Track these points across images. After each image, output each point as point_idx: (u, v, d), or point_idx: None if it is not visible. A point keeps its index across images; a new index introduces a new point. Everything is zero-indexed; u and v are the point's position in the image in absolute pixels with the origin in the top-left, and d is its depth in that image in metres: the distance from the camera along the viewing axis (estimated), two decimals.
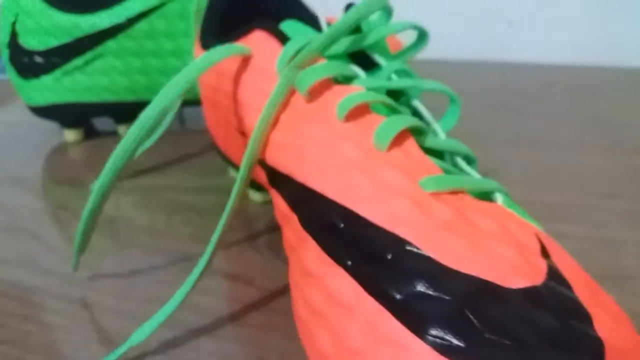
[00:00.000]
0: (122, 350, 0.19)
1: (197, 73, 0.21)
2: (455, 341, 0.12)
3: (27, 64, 0.36)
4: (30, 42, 0.35)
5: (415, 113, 0.22)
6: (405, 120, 0.18)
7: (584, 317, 0.13)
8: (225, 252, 0.26)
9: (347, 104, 0.19)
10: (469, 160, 0.20)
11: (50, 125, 0.42)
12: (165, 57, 0.36)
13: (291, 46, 0.21)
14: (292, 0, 0.29)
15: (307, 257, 0.17)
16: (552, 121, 0.41)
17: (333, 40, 0.20)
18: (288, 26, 0.22)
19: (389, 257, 0.15)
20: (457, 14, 0.59)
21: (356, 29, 0.22)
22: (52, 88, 0.36)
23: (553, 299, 0.14)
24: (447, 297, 0.13)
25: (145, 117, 0.19)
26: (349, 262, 0.15)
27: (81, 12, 0.35)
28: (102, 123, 0.42)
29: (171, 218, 0.29)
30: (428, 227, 0.15)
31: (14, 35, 0.36)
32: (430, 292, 0.14)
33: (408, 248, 0.15)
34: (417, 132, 0.19)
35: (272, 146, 0.21)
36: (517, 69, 0.55)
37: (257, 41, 0.23)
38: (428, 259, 0.14)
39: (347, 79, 0.20)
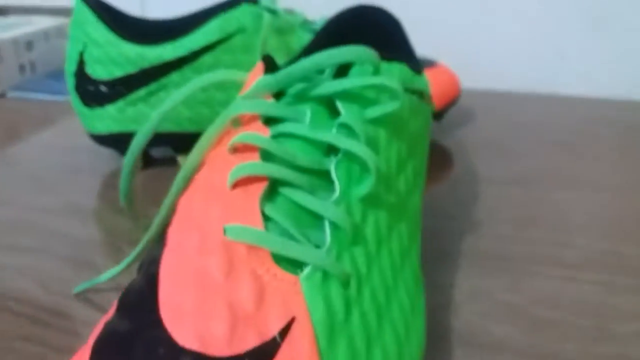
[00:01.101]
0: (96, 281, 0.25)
1: (191, 89, 0.22)
2: None
3: (92, 92, 0.36)
4: (97, 71, 0.36)
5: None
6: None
7: None
8: None
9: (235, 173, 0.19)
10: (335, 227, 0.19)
11: (107, 152, 0.43)
12: (228, 90, 0.36)
13: (261, 79, 0.21)
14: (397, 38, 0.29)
15: None
16: (610, 161, 0.40)
17: (284, 82, 0.20)
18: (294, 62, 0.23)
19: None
20: (507, 44, 0.58)
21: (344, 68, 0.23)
22: (115, 117, 0.37)
23: None
24: None
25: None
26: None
27: (147, 43, 0.36)
28: (160, 152, 0.42)
29: None
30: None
31: (81, 64, 0.36)
32: None
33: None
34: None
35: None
36: (568, 102, 0.54)
37: (255, 69, 0.23)
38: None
39: (272, 121, 0.20)
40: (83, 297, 0.26)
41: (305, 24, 0.41)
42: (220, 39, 0.36)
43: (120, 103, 0.36)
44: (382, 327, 0.18)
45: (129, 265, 0.25)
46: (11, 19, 0.64)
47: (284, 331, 0.16)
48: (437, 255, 0.29)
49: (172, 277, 0.17)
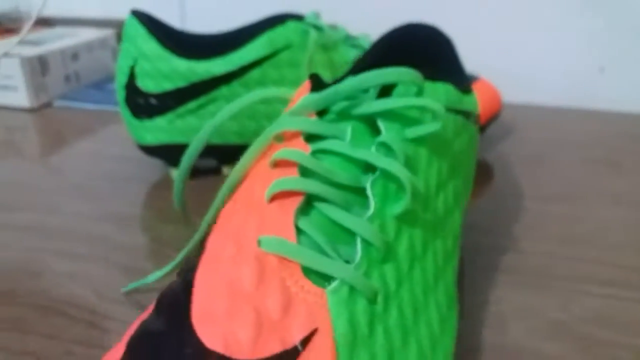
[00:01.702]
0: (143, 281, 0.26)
1: (242, 104, 0.24)
2: None
3: (142, 105, 0.37)
4: (147, 84, 0.37)
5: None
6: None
7: None
8: None
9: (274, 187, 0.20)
10: (368, 244, 0.19)
11: (151, 161, 0.44)
12: (273, 104, 0.37)
13: (306, 97, 0.22)
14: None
15: None
16: None
17: (328, 100, 0.21)
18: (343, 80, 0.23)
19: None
20: (547, 58, 0.58)
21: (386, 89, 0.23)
22: (165, 129, 0.38)
23: None
24: None
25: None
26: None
27: (197, 58, 0.37)
28: (205, 163, 0.43)
29: None
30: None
31: (131, 77, 0.37)
32: None
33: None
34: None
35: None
36: (608, 117, 0.54)
37: (302, 87, 0.24)
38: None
39: (314, 137, 0.21)
40: (133, 300, 0.27)
41: (348, 39, 0.42)
42: (267, 54, 0.37)
43: (169, 115, 0.38)
44: (407, 345, 0.18)
45: (174, 269, 0.26)
46: (58, 30, 0.66)
47: (306, 341, 0.16)
48: (481, 271, 0.29)
49: (206, 283, 0.18)
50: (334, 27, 0.42)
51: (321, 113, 0.22)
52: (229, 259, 0.18)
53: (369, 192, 0.20)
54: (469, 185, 0.26)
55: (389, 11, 0.61)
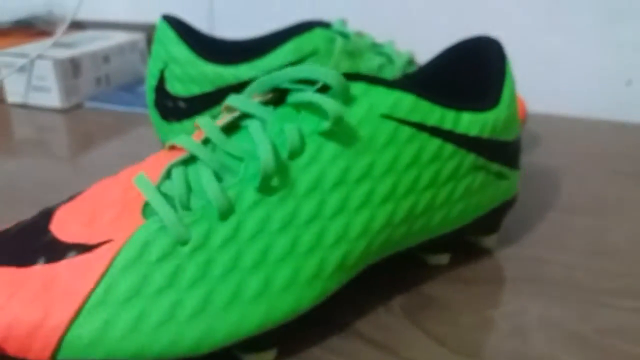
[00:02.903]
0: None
1: None
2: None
3: (171, 108, 0.38)
4: (176, 88, 0.38)
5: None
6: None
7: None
8: (361, 314, 0.27)
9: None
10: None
11: None
12: None
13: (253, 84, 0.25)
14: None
15: None
16: None
17: (255, 90, 0.24)
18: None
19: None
20: (575, 69, 0.58)
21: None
22: (192, 132, 0.39)
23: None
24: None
25: None
26: None
27: (225, 64, 0.37)
28: None
29: None
30: None
31: (161, 80, 0.38)
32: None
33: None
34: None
35: None
36: (636, 130, 0.53)
37: None
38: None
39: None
40: None
41: (374, 46, 0.42)
42: (293, 61, 0.37)
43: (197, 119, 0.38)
44: (190, 296, 0.21)
45: None
46: (90, 34, 0.68)
47: (101, 244, 0.21)
48: (504, 281, 0.29)
49: (68, 206, 0.24)
50: (360, 35, 0.42)
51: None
52: (99, 188, 0.24)
53: (242, 166, 0.23)
54: (429, 201, 0.26)
55: (416, 18, 0.61)
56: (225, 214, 0.22)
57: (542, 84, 0.58)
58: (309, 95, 0.23)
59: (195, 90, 0.38)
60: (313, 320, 0.26)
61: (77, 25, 0.72)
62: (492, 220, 0.30)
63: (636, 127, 0.54)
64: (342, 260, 0.24)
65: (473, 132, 0.26)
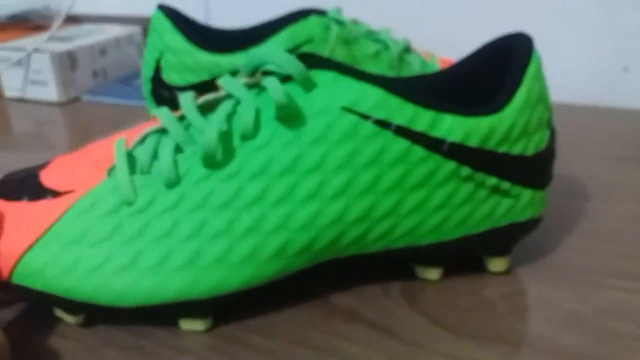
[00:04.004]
0: None
1: None
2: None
3: (168, 97, 0.38)
4: (172, 77, 0.38)
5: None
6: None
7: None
8: (360, 296, 0.27)
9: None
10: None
11: None
12: None
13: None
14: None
15: None
16: None
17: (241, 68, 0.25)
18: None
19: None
20: (569, 56, 0.58)
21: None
22: None
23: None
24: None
25: None
26: None
27: (221, 52, 0.37)
28: None
29: None
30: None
31: (157, 70, 0.38)
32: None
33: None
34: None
35: None
36: (631, 115, 0.53)
37: None
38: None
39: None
40: None
41: (369, 34, 0.42)
42: (289, 48, 0.37)
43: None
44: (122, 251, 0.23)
45: None
46: (86, 27, 0.68)
47: (66, 193, 0.24)
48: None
49: (62, 158, 0.26)
50: (355, 22, 0.42)
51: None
52: (95, 144, 0.26)
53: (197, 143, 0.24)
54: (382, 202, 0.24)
55: (412, 7, 0.61)
56: (171, 183, 0.23)
57: None
58: (267, 80, 0.23)
59: (192, 79, 0.38)
60: (312, 303, 0.27)
61: (73, 19, 0.72)
62: (495, 241, 0.27)
63: (632, 113, 0.54)
64: (281, 249, 0.24)
65: (454, 137, 0.24)
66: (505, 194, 0.26)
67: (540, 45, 0.58)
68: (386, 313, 0.26)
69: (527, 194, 0.26)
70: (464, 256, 0.29)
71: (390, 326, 0.25)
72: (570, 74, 0.58)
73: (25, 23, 0.67)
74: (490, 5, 0.59)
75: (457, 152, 0.24)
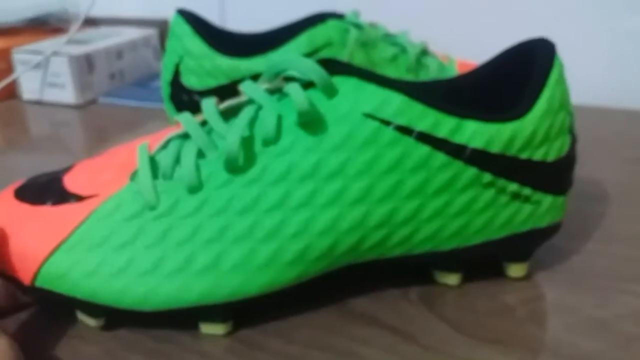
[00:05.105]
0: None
1: None
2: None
3: (186, 101, 0.39)
4: (191, 81, 0.38)
5: None
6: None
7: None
8: (378, 301, 0.27)
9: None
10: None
11: None
12: None
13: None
14: None
15: None
16: None
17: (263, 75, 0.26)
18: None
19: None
20: (583, 57, 0.58)
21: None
22: None
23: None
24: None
25: None
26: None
27: (239, 56, 0.38)
28: None
29: None
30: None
31: (176, 74, 0.39)
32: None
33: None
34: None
35: None
36: None
37: None
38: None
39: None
40: None
41: (387, 37, 0.42)
42: (308, 52, 0.37)
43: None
44: (148, 252, 0.23)
45: None
46: (102, 30, 0.68)
47: (89, 197, 0.24)
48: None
49: (86, 162, 0.27)
50: (373, 25, 0.42)
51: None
52: (118, 149, 0.27)
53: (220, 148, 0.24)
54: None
55: (429, 9, 0.61)
56: (194, 188, 0.24)
57: None
58: (290, 86, 0.23)
59: (211, 83, 0.38)
60: (331, 307, 0.27)
61: (90, 22, 0.73)
62: (515, 247, 0.27)
63: None
64: (301, 253, 0.24)
65: (476, 144, 0.24)
66: (526, 199, 0.26)
67: (561, 49, 0.58)
68: (405, 317, 0.26)
69: (547, 199, 0.26)
70: (483, 261, 0.29)
71: (408, 330, 0.25)
72: (584, 76, 0.58)
73: (43, 26, 0.68)
74: (503, 8, 0.59)
75: (479, 158, 0.24)
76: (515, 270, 0.28)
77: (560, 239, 0.32)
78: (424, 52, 0.42)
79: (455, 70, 0.42)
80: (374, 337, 0.25)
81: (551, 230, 0.28)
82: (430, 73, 0.40)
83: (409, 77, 0.40)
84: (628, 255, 0.31)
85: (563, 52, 0.58)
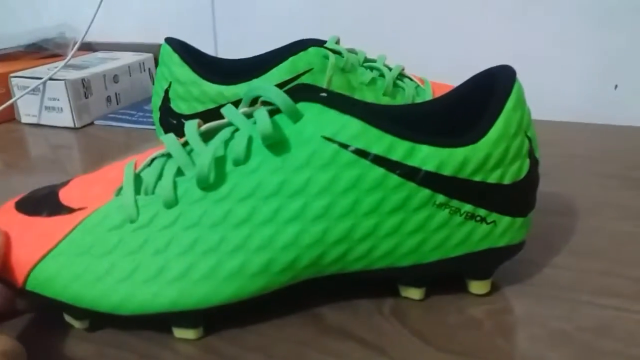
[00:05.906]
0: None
1: None
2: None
3: (175, 125, 0.41)
4: (180, 106, 0.40)
5: None
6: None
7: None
8: (353, 314, 0.29)
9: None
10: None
11: None
12: None
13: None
14: None
15: None
16: None
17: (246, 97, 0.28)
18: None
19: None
20: (560, 74, 0.59)
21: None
22: None
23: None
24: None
25: None
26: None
27: (225, 83, 0.39)
28: None
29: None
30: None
31: (165, 99, 0.40)
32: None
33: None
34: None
35: None
36: (622, 133, 0.54)
37: None
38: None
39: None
40: None
41: (366, 61, 0.44)
42: (289, 78, 0.39)
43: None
44: (126, 261, 0.25)
45: None
46: (99, 55, 0.70)
47: (79, 210, 0.26)
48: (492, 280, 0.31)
49: (81, 177, 0.29)
50: (352, 51, 0.44)
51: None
52: (111, 166, 0.29)
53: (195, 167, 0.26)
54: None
55: (407, 33, 0.63)
56: (169, 203, 0.26)
57: (528, 90, 0.59)
58: (258, 112, 0.26)
59: (198, 107, 0.40)
60: (306, 321, 0.28)
61: (87, 47, 0.75)
62: (474, 265, 0.28)
63: (619, 129, 0.55)
64: (266, 266, 0.26)
65: (428, 166, 0.26)
66: (482, 220, 0.27)
67: (537, 66, 0.59)
68: (378, 331, 0.27)
69: (505, 221, 0.27)
70: (450, 277, 0.30)
71: (381, 344, 0.26)
72: (561, 92, 0.59)
73: (41, 52, 0.70)
74: (481, 25, 0.60)
75: (432, 181, 0.26)
76: (477, 287, 0.29)
77: (528, 253, 0.33)
78: (401, 76, 0.44)
79: (430, 92, 0.44)
80: (348, 351, 0.26)
81: (510, 250, 0.29)
82: (406, 95, 0.42)
83: (385, 100, 0.42)
84: (594, 268, 0.32)
85: (538, 70, 0.59)
